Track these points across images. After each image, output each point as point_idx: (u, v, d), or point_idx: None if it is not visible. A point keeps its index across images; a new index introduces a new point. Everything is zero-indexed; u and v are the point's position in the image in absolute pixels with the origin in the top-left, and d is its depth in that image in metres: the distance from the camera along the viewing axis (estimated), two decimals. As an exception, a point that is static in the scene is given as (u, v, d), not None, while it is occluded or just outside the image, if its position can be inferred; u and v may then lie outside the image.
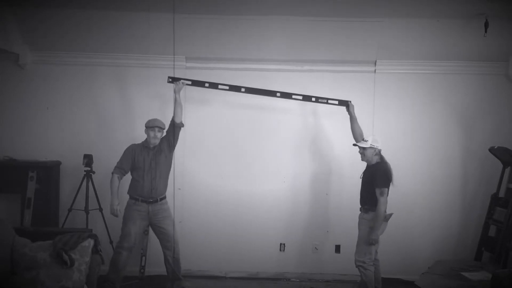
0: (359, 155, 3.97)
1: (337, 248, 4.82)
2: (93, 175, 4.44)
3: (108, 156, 4.68)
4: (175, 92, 4.14)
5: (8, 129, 4.76)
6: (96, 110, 4.79)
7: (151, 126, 4.13)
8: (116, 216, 4.04)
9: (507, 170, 4.55)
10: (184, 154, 4.80)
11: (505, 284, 3.19)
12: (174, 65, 4.39)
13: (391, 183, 3.84)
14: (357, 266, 3.89)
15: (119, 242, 4.04)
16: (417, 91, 4.76)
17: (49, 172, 4.57)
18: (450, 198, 4.77)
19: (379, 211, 3.73)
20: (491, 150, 4.46)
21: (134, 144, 4.21)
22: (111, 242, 4.43)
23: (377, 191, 3.75)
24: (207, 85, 4.30)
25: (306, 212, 4.81)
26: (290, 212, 4.81)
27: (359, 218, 3.97)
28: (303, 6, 4.17)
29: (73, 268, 3.03)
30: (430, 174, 4.75)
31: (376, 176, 3.79)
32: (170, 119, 4.18)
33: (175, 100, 4.12)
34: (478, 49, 4.53)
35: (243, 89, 4.31)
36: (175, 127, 4.13)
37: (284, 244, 4.83)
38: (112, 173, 4.06)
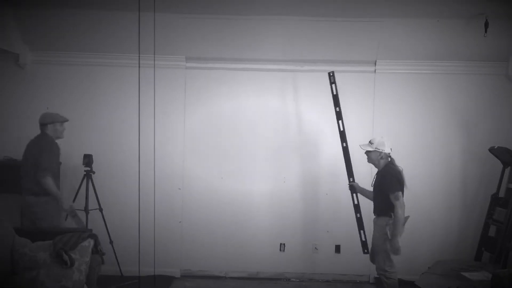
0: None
1: (337, 248, 4.82)
2: (93, 175, 4.44)
3: (108, 156, 4.69)
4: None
5: (8, 129, 4.76)
6: (96, 110, 4.78)
7: (62, 121, 3.99)
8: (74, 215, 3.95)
9: (507, 170, 4.54)
10: (184, 154, 4.80)
11: (505, 284, 3.19)
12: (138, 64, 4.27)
13: (405, 186, 3.68)
14: (378, 275, 3.73)
15: None
16: (417, 91, 4.76)
17: (49, 172, 4.56)
18: (450, 198, 4.77)
19: (397, 216, 3.51)
20: (491, 150, 4.45)
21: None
22: (111, 242, 4.43)
23: (391, 196, 3.56)
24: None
25: (306, 212, 4.80)
26: (290, 212, 4.81)
27: (373, 222, 3.81)
28: (303, 6, 4.17)
29: (73, 268, 3.03)
30: (430, 174, 4.75)
31: (386, 181, 3.64)
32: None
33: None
34: (478, 49, 4.53)
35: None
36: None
37: (284, 244, 4.83)
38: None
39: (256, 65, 4.76)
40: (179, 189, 4.78)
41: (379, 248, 3.68)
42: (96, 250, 3.29)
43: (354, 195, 4.16)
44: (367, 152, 3.80)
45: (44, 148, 3.86)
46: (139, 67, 3.97)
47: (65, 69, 4.77)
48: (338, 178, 4.74)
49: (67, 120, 4.03)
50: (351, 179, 4.16)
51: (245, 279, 4.78)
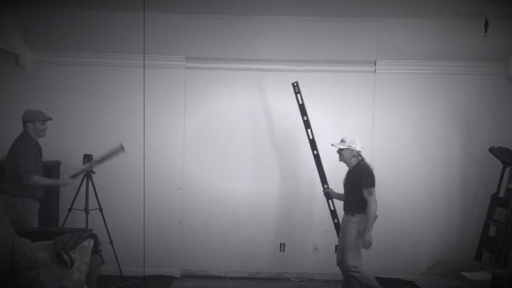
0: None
1: (337, 248, 4.81)
2: (93, 175, 4.44)
3: (108, 156, 4.69)
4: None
5: (8, 129, 4.75)
6: (96, 110, 4.78)
7: (43, 119, 3.85)
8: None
9: (507, 170, 4.54)
10: (184, 154, 4.80)
11: (505, 284, 3.20)
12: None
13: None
14: (351, 273, 3.69)
15: None
16: (417, 91, 4.76)
17: (49, 172, 4.55)
18: (450, 198, 4.77)
19: (371, 211, 3.61)
20: (491, 150, 4.46)
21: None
22: (111, 242, 4.43)
23: (365, 192, 3.63)
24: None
25: (306, 212, 4.80)
26: (290, 212, 4.81)
27: (343, 221, 3.84)
28: (303, 6, 4.17)
29: (73, 268, 3.03)
30: (430, 174, 4.75)
31: (361, 177, 3.68)
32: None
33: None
34: (478, 49, 4.53)
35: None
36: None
37: (284, 244, 4.83)
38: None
39: (256, 65, 4.76)
40: (179, 189, 4.77)
41: (351, 245, 3.69)
42: (96, 250, 3.30)
43: (330, 201, 4.18)
44: (339, 150, 3.84)
45: (18, 151, 3.72)
46: (143, 67, 4.00)
47: (65, 69, 4.77)
48: (337, 178, 4.74)
49: (49, 119, 3.89)
50: (325, 186, 4.19)
51: (245, 279, 4.78)
